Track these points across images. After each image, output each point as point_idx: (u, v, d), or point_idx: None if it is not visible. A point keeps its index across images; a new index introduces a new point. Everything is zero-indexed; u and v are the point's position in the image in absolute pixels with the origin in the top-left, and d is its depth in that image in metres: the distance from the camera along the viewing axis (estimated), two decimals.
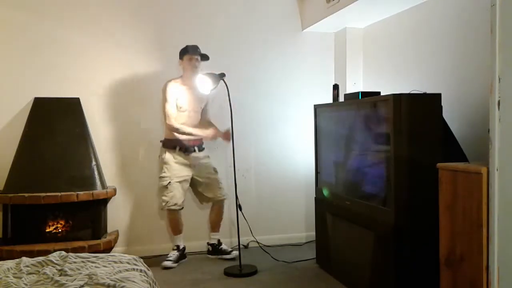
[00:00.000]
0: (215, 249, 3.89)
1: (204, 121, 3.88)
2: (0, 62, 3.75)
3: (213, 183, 3.82)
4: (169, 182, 3.66)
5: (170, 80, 3.68)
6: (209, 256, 3.91)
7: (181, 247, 3.79)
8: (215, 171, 3.86)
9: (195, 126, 3.77)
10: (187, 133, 3.68)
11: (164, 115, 3.68)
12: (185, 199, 3.74)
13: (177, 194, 3.67)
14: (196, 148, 3.77)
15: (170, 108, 3.64)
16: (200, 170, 3.80)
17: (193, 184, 3.83)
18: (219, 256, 3.85)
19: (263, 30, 4.28)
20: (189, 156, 3.74)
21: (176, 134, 3.66)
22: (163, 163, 3.72)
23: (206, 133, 3.79)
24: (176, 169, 3.69)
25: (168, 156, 3.70)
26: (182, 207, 3.75)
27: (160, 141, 3.76)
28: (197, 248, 3.99)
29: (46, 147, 3.63)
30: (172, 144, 3.71)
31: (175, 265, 3.66)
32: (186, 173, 3.74)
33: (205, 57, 3.73)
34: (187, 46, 3.70)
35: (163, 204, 3.67)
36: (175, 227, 3.78)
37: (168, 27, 4.06)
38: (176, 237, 3.79)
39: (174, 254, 3.72)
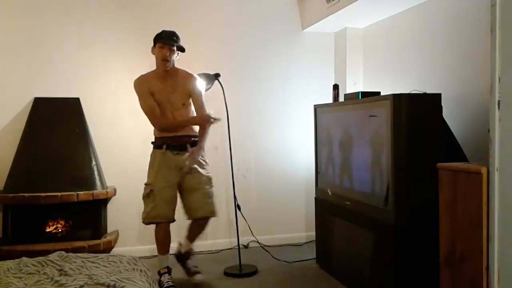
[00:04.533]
0: (181, 257, 3.32)
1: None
2: (0, 62, 3.75)
3: (200, 196, 3.17)
4: (151, 190, 3.10)
5: (138, 77, 3.22)
6: (175, 260, 3.32)
7: (170, 267, 3.18)
8: (208, 182, 3.22)
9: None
10: (177, 124, 3.15)
11: (147, 116, 3.21)
12: (174, 210, 3.19)
13: (160, 205, 3.09)
14: (188, 146, 3.17)
15: (146, 103, 3.14)
16: (190, 177, 3.17)
17: (180, 192, 3.23)
18: (182, 266, 3.31)
19: (263, 30, 4.28)
20: (180, 157, 3.15)
21: (166, 131, 3.15)
22: (148, 166, 3.21)
23: (195, 120, 3.19)
24: (162, 173, 3.12)
25: (153, 157, 3.18)
26: (171, 220, 3.15)
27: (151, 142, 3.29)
28: (197, 248, 3.99)
29: (46, 147, 3.63)
30: (158, 142, 3.18)
31: None
32: (175, 177, 3.15)
33: (180, 49, 3.18)
34: (161, 32, 3.14)
35: (143, 216, 3.15)
36: (164, 244, 3.14)
37: (168, 28, 4.05)
38: (162, 257, 3.16)
39: (168, 282, 3.05)
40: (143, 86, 3.17)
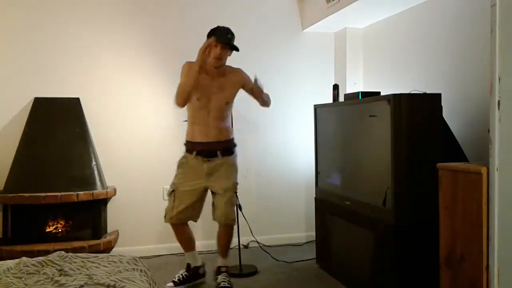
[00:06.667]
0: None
1: (228, 120, 3.20)
2: (0, 62, 3.75)
3: (225, 202, 3.08)
4: (173, 190, 3.11)
5: (187, 62, 3.05)
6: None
7: (192, 265, 3.24)
8: (234, 189, 3.14)
9: (217, 126, 3.09)
10: (183, 87, 2.96)
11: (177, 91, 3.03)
12: (197, 212, 3.19)
13: (178, 207, 3.08)
14: (219, 153, 3.09)
15: (186, 78, 2.98)
16: (215, 180, 3.11)
17: (212, 193, 3.19)
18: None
19: (263, 30, 4.28)
20: (210, 163, 3.08)
21: (182, 106, 3.01)
22: (177, 165, 3.17)
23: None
24: (188, 177, 3.09)
25: (182, 159, 3.16)
26: (194, 220, 3.20)
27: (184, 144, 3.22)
28: (197, 248, 3.98)
29: (46, 147, 3.63)
30: (189, 147, 3.14)
31: None
32: (201, 181, 3.10)
33: (235, 48, 3.06)
34: (217, 28, 3.02)
35: (164, 214, 3.16)
36: (182, 243, 3.23)
37: (167, 28, 4.06)
38: (186, 254, 3.27)
39: (179, 275, 3.21)
40: (187, 71, 3.01)
